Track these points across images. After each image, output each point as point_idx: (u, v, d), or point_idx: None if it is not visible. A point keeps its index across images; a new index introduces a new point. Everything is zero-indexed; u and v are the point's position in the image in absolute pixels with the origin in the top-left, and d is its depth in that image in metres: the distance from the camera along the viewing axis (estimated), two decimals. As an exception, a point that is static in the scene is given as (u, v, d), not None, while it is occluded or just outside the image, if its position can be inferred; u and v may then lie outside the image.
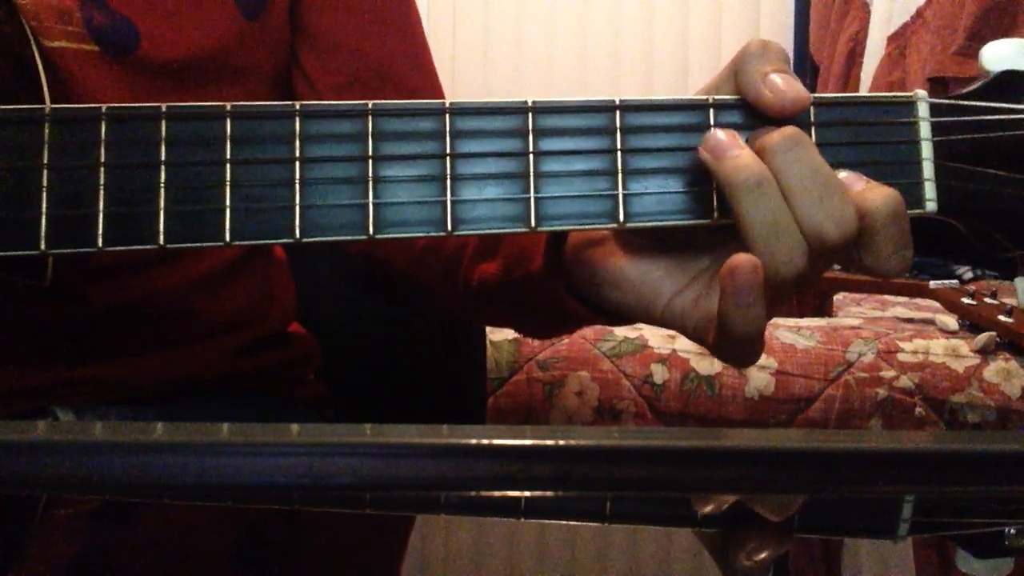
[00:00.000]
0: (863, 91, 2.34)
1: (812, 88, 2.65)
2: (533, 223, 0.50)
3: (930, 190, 0.50)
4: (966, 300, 1.25)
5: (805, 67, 2.78)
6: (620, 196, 0.50)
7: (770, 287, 0.48)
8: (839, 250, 0.48)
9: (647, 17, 2.87)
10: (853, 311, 1.57)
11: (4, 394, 0.66)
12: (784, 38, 2.86)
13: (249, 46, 0.71)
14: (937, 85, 2.03)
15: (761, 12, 2.86)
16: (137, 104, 0.50)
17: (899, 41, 2.26)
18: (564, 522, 0.45)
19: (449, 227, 0.49)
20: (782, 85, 0.49)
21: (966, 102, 0.51)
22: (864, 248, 0.48)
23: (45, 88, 0.56)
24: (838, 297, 1.67)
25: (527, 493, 0.45)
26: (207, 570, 0.39)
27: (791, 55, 2.82)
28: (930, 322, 1.33)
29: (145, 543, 0.42)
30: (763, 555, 0.41)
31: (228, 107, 0.50)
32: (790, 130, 0.48)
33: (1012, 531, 0.44)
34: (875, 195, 0.48)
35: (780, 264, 0.47)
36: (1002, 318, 1.19)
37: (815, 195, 0.47)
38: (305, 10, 0.75)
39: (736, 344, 0.49)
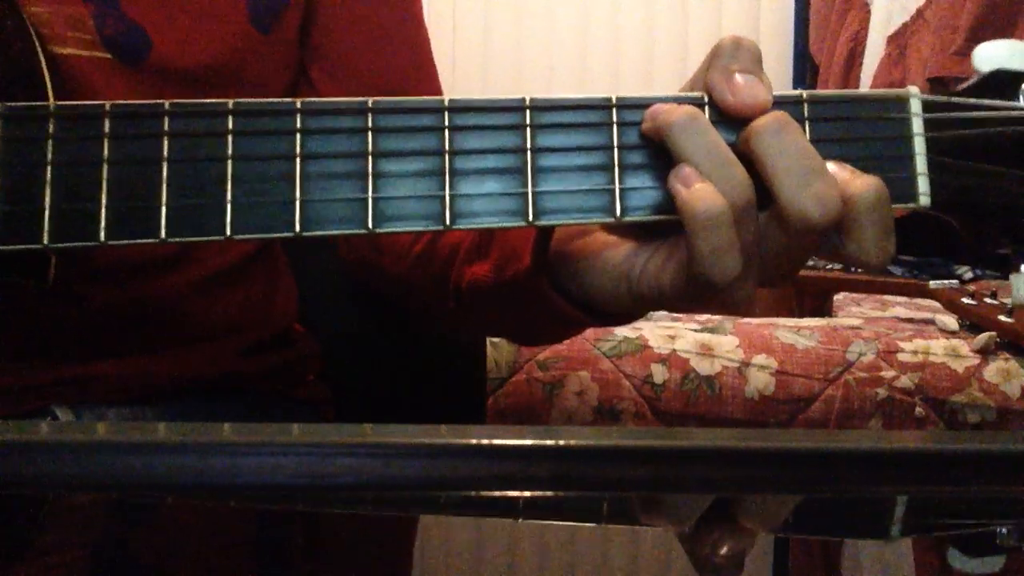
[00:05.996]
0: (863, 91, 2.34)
1: (812, 88, 2.66)
2: (531, 217, 0.50)
3: (923, 184, 0.51)
4: (966, 300, 1.25)
5: (805, 67, 2.78)
6: (616, 191, 0.50)
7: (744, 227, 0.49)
8: (822, 233, 0.48)
9: (647, 17, 2.86)
10: (853, 311, 1.57)
11: (4, 393, 0.66)
12: (784, 38, 2.86)
13: (260, 58, 0.71)
14: (937, 85, 2.03)
15: (761, 12, 2.86)
16: (140, 101, 0.50)
17: (899, 41, 2.26)
18: (564, 523, 0.45)
19: (448, 221, 0.50)
20: (743, 87, 0.50)
21: (958, 99, 0.52)
22: (847, 236, 0.49)
23: (51, 95, 0.56)
24: (838, 297, 1.67)
25: (527, 493, 0.45)
26: (213, 567, 0.39)
27: (791, 55, 2.84)
28: (930, 322, 1.33)
29: (147, 542, 0.42)
30: (735, 551, 0.42)
31: (230, 104, 0.50)
32: (778, 114, 0.49)
33: (1004, 531, 0.44)
34: (860, 182, 0.48)
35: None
36: (1002, 318, 1.19)
37: (800, 177, 0.48)
38: (316, 25, 0.75)
39: (709, 281, 0.49)
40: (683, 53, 2.84)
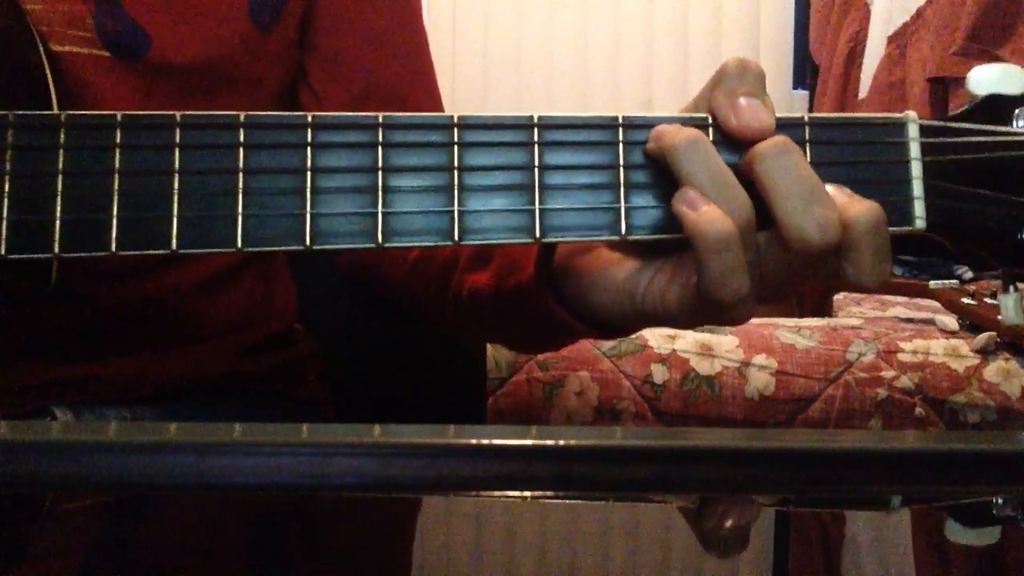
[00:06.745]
0: (863, 91, 2.34)
1: (812, 88, 2.66)
2: (538, 234, 0.51)
3: (920, 208, 0.52)
4: (966, 300, 1.25)
5: (805, 67, 2.78)
6: (622, 209, 0.51)
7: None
8: (821, 256, 0.49)
9: (647, 18, 2.86)
10: (853, 311, 1.57)
11: (4, 393, 0.66)
12: (784, 38, 2.86)
13: (259, 57, 0.71)
14: (937, 85, 2.03)
15: (761, 12, 2.86)
16: (151, 112, 0.50)
17: (899, 41, 2.26)
18: (564, 517, 0.45)
19: (456, 237, 0.50)
20: (746, 110, 0.50)
21: (954, 124, 0.53)
22: (845, 258, 0.49)
23: (53, 93, 0.56)
24: (838, 297, 1.67)
25: (527, 493, 0.45)
26: (212, 568, 0.39)
27: (791, 55, 2.83)
28: (930, 322, 1.33)
29: (146, 543, 0.42)
30: (740, 524, 0.42)
31: (241, 117, 0.50)
32: (780, 138, 0.49)
33: (1000, 501, 0.44)
34: (859, 206, 0.49)
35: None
36: (1002, 318, 1.18)
37: (801, 201, 0.48)
38: (316, 26, 0.76)
39: (720, 301, 0.49)
40: (683, 54, 2.84)
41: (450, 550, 0.42)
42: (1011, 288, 0.53)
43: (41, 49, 0.58)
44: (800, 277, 0.51)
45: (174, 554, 0.40)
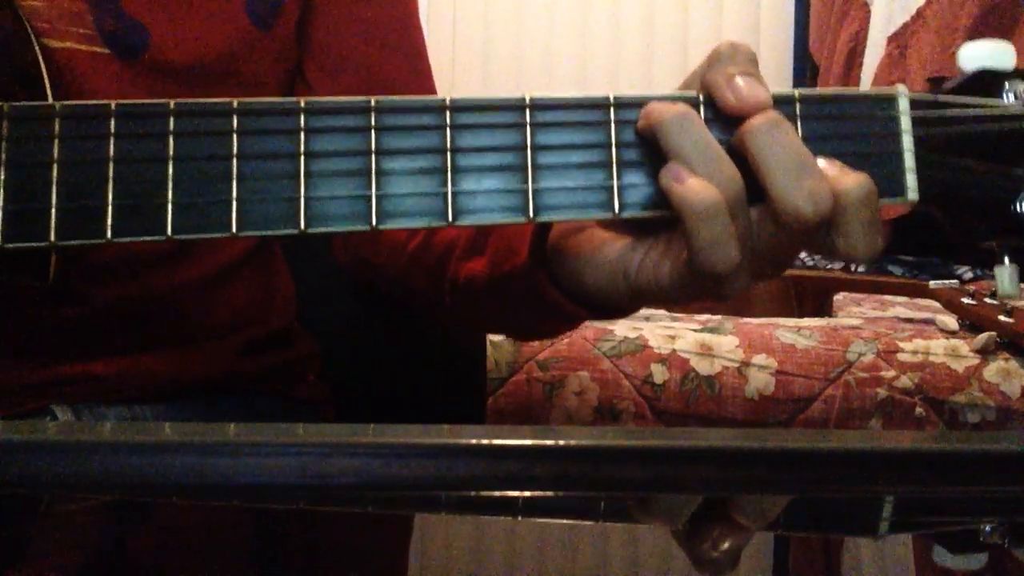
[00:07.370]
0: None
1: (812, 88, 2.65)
2: (531, 214, 0.51)
3: (911, 180, 0.52)
4: (966, 300, 1.25)
5: (805, 67, 2.78)
6: (615, 187, 0.51)
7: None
8: (813, 228, 0.49)
9: (647, 17, 2.86)
10: (853, 311, 1.57)
11: (4, 392, 0.66)
12: (784, 38, 2.86)
13: (258, 56, 0.72)
14: (937, 85, 2.03)
15: (761, 12, 2.86)
16: (145, 101, 0.50)
17: (899, 41, 2.26)
18: (564, 521, 0.45)
19: (450, 218, 0.50)
20: (744, 88, 0.51)
21: (944, 97, 0.53)
22: (836, 230, 0.50)
23: (49, 91, 0.56)
24: (838, 297, 1.67)
25: (527, 493, 0.45)
26: (210, 568, 0.39)
27: (791, 55, 2.83)
28: (930, 322, 1.33)
29: (145, 544, 0.42)
30: (729, 545, 0.42)
31: (234, 103, 0.51)
32: (771, 113, 0.50)
33: (987, 528, 0.44)
34: (849, 179, 0.49)
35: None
36: (1002, 318, 1.19)
37: (793, 174, 0.49)
38: (312, 24, 0.76)
39: (712, 271, 0.49)
40: (683, 53, 2.84)
41: (450, 554, 0.42)
42: (1006, 260, 0.54)
43: (36, 46, 0.58)
44: (793, 251, 0.52)
45: (171, 554, 0.40)
